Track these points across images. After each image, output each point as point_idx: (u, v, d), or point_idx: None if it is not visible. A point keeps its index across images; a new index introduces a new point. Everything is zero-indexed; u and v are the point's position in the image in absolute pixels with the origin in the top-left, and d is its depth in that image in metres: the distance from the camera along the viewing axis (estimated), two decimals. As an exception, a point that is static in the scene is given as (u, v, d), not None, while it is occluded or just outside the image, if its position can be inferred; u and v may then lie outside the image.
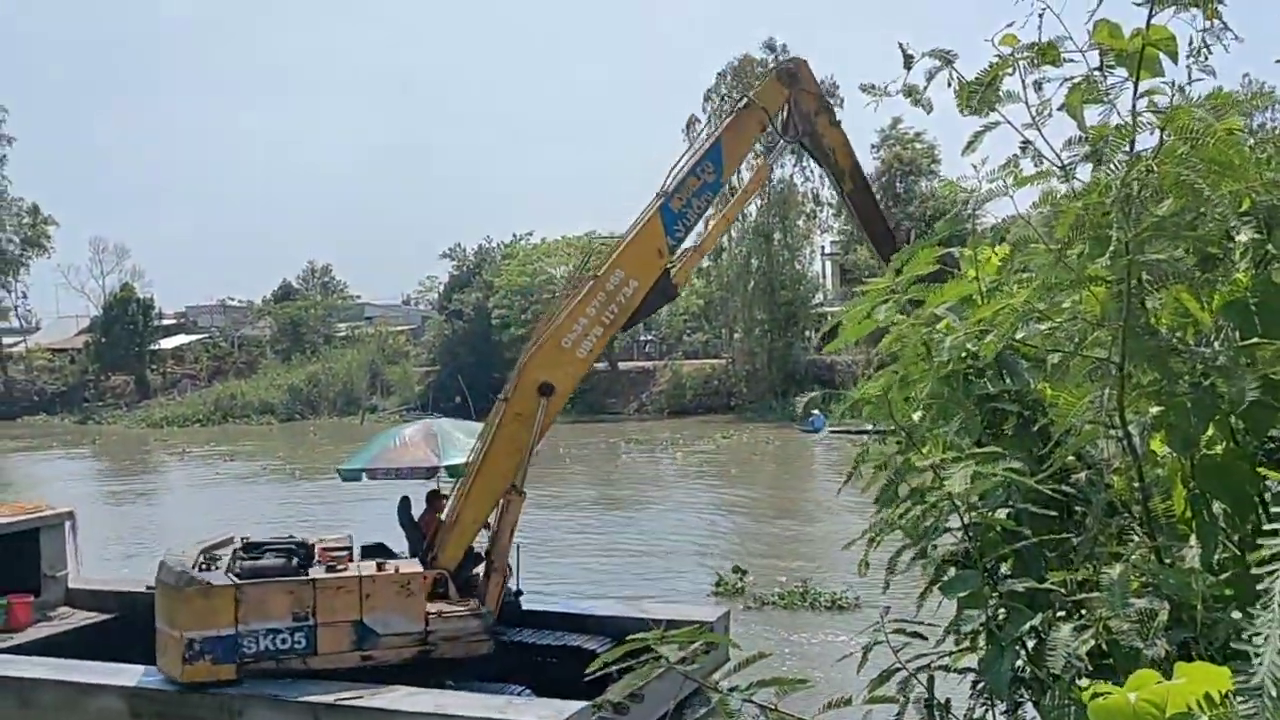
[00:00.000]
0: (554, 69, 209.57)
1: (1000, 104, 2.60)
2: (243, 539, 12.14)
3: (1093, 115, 2.50)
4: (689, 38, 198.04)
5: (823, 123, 13.24)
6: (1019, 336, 2.88)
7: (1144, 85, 2.41)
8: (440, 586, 11.82)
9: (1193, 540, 2.56)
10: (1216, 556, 2.48)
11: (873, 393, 3.09)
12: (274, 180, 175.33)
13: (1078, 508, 2.89)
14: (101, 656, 11.95)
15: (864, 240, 15.75)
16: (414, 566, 11.70)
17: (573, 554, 23.25)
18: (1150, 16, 2.38)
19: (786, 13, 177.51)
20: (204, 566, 11.21)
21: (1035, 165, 2.64)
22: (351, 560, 11.82)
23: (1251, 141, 2.45)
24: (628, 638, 2.76)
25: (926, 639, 3.02)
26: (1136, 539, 2.70)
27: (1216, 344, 2.45)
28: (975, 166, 2.70)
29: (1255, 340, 2.38)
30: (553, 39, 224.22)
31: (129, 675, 11.26)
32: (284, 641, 10.81)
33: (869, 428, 3.44)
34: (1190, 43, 2.45)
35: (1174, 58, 2.43)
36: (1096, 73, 2.48)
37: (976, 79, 2.60)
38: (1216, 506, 2.51)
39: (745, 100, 13.28)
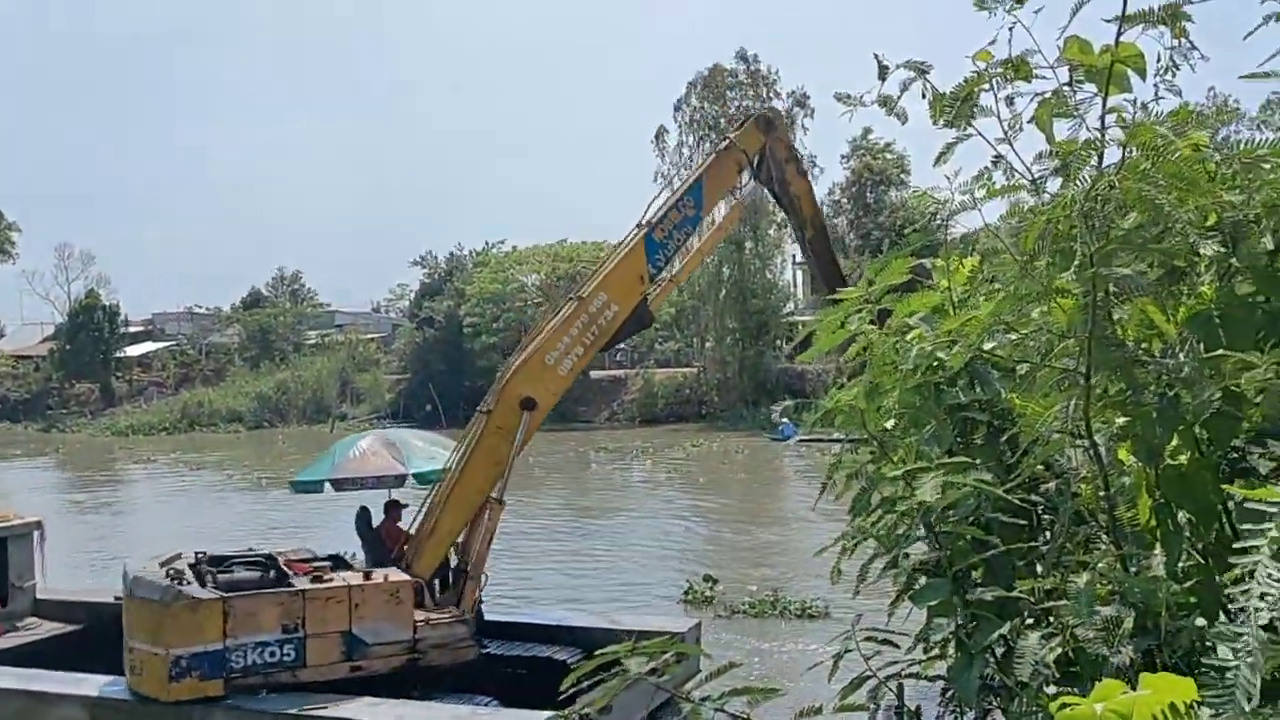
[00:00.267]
0: (526, 78, 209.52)
1: (974, 118, 2.63)
2: (197, 554, 11.91)
3: (1063, 129, 2.54)
4: (661, 48, 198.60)
5: (791, 171, 14.05)
6: (988, 347, 2.91)
7: (1112, 101, 2.45)
8: (418, 595, 11.80)
9: (1158, 548, 2.58)
10: (1181, 564, 2.50)
11: (845, 402, 3.11)
12: (243, 187, 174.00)
13: (1046, 516, 2.92)
14: (69, 667, 11.78)
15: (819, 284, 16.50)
16: (400, 575, 11.67)
17: (542, 562, 23.18)
18: (1119, 34, 2.41)
19: (758, 28, 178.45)
20: (174, 581, 11.06)
21: (1007, 178, 2.67)
22: (334, 570, 11.77)
23: (1218, 157, 2.49)
24: (598, 651, 2.77)
25: (898, 647, 3.04)
26: (1103, 547, 2.73)
27: (1181, 355, 2.48)
28: (949, 178, 2.73)
29: (1219, 352, 2.41)
30: (524, 47, 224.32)
31: (91, 685, 11.11)
32: (272, 655, 10.67)
33: (838, 436, 3.47)
34: (1159, 60, 2.48)
35: (1142, 74, 2.47)
36: (1066, 88, 2.51)
37: (952, 93, 2.63)
38: (1181, 515, 2.53)
39: (727, 143, 14.02)
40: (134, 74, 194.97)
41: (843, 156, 64.28)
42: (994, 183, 2.69)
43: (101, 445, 62.96)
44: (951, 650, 2.79)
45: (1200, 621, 2.42)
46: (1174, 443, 2.51)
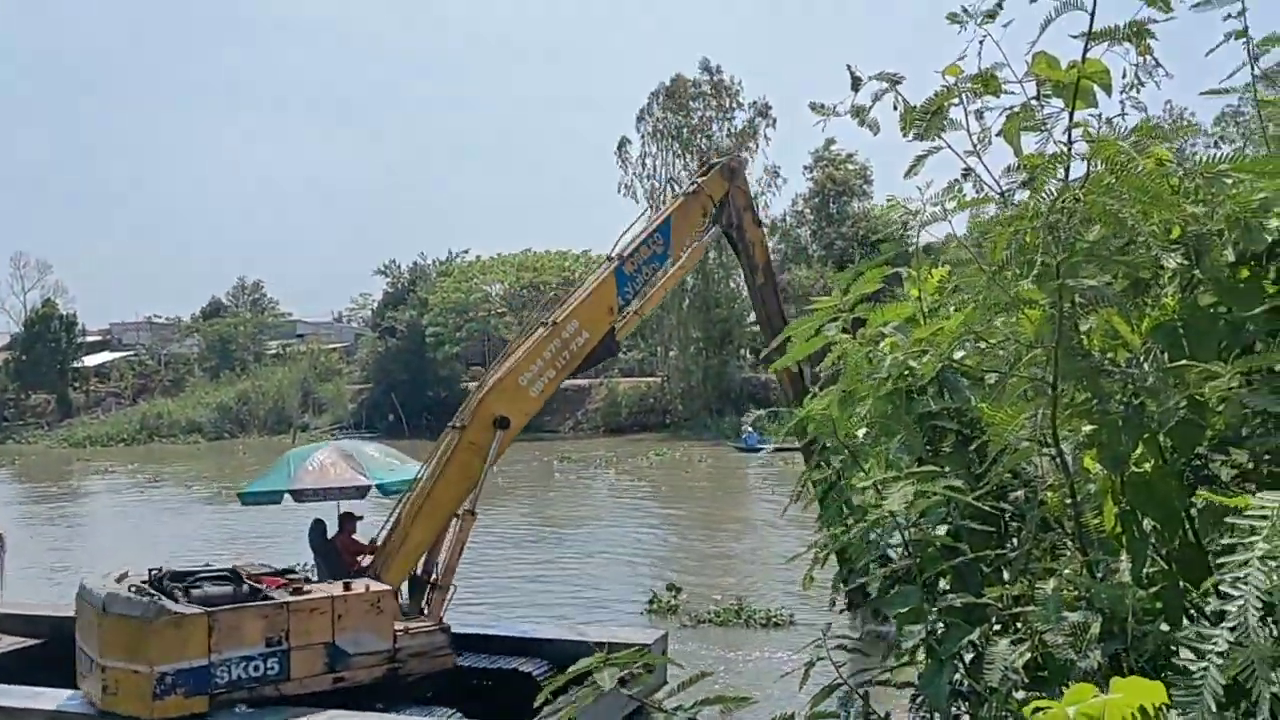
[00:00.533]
0: (489, 87, 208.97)
1: (945, 130, 2.67)
2: (151, 570, 11.69)
3: (1031, 143, 2.58)
4: (626, 59, 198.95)
5: (749, 219, 15.28)
6: (957, 356, 2.95)
7: (1078, 115, 2.50)
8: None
9: (1123, 555, 2.63)
10: (1146, 570, 2.55)
11: (818, 411, 3.14)
12: (203, 196, 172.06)
13: (1014, 523, 2.96)
14: (31, 681, 11.61)
15: (762, 331, 17.89)
16: (381, 585, 11.69)
17: (506, 571, 23.11)
18: (1086, 50, 2.46)
19: (719, 43, 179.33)
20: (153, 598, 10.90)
21: (976, 191, 2.72)
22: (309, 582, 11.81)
23: (1181, 171, 2.54)
24: (570, 669, 2.78)
25: (868, 654, 3.07)
26: (1069, 554, 2.77)
27: (1146, 365, 2.53)
28: (920, 189, 2.78)
29: (1183, 362, 2.46)
30: (487, 56, 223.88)
31: (50, 699, 10.95)
32: (257, 669, 10.61)
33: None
34: (1124, 76, 2.54)
35: (1107, 90, 2.52)
36: (1034, 102, 2.56)
37: (923, 106, 2.68)
38: (1146, 522, 2.57)
39: (695, 187, 15.00)
40: (88, 81, 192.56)
41: (805, 167, 64.78)
42: (964, 194, 2.74)
43: (59, 457, 62.02)
44: (921, 656, 2.82)
45: (1165, 626, 2.46)
46: (1139, 450, 2.55)
